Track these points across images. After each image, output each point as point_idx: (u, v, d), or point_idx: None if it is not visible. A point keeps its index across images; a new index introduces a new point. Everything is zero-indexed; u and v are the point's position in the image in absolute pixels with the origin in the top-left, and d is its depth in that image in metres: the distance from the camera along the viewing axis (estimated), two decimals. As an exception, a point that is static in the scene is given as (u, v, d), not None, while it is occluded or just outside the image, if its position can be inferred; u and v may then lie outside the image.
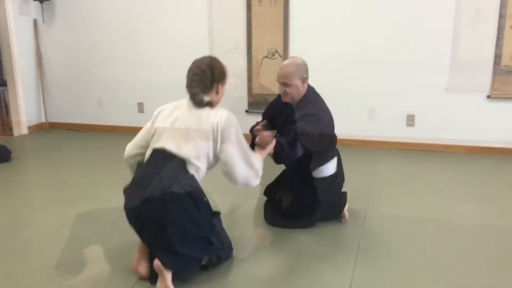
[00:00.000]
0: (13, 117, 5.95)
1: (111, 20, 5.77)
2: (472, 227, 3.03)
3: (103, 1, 5.75)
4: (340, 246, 2.77)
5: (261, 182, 2.93)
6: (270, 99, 3.57)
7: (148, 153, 2.49)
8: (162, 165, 2.34)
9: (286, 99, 2.87)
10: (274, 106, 3.08)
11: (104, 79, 6.00)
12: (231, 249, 2.62)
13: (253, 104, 5.33)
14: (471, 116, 4.78)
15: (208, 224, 2.40)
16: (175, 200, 2.23)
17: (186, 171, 2.34)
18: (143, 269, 2.41)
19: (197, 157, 2.37)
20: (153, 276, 2.36)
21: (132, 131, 5.90)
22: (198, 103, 2.46)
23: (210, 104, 2.49)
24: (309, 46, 5.04)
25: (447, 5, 4.62)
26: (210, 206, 2.43)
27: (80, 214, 3.31)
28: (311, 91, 2.91)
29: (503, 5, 4.46)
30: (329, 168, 2.98)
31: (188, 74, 2.53)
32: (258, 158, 2.53)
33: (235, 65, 5.32)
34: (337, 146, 3.09)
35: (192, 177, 2.35)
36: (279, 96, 3.00)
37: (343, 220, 3.08)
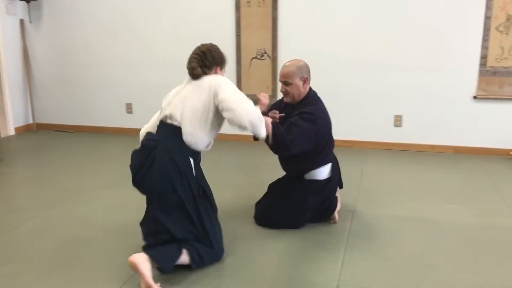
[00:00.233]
0: (-1, 118, 5.91)
1: (99, 20, 5.75)
2: (458, 226, 3.06)
3: (91, 1, 5.72)
4: (328, 246, 2.78)
5: (264, 182, 2.94)
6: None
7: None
8: (162, 135, 2.50)
9: (287, 99, 2.97)
10: (276, 108, 3.11)
11: (92, 80, 5.97)
12: (221, 251, 2.62)
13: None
14: (457, 116, 4.83)
15: (190, 196, 2.45)
16: (160, 165, 2.38)
17: (179, 139, 2.46)
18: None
19: (191, 124, 2.46)
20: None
21: (121, 132, 5.97)
22: (195, 76, 2.58)
23: None
24: (298, 47, 5.07)
25: (432, 6, 4.67)
26: (195, 181, 2.48)
27: (68, 215, 3.29)
28: (312, 94, 2.99)
29: (488, 7, 4.51)
30: (322, 173, 3.00)
31: (189, 56, 2.67)
32: (257, 108, 2.55)
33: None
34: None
35: (181, 146, 2.45)
36: (281, 99, 3.09)
37: (333, 222, 3.10)
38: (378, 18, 4.83)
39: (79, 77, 6.02)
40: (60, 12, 5.88)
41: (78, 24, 5.85)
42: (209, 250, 2.52)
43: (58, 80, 6.12)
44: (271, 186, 3.22)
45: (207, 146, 2.58)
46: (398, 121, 5.01)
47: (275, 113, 2.89)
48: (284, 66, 2.93)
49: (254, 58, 5.27)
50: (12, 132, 5.95)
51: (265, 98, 2.84)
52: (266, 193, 3.20)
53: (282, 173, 3.25)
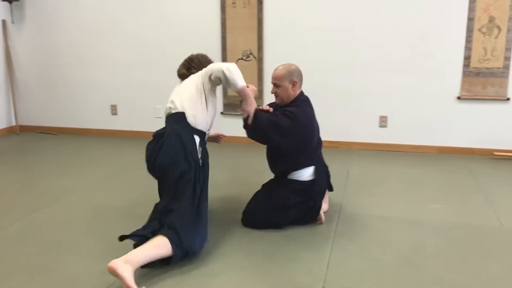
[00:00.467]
0: (-19, 120, 5.82)
1: (82, 21, 5.69)
2: (442, 226, 3.08)
3: (74, 2, 5.66)
4: (314, 247, 2.78)
5: (252, 184, 2.95)
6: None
7: None
8: (169, 124, 2.81)
9: (277, 100, 3.09)
10: None
11: (76, 81, 5.90)
12: (202, 240, 2.64)
13: (228, 106, 5.32)
14: (441, 117, 4.87)
15: (193, 170, 2.65)
16: (166, 142, 2.67)
17: (184, 121, 2.74)
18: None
19: (191, 106, 2.76)
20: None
21: (106, 134, 5.92)
22: (182, 76, 2.98)
23: None
24: (284, 48, 5.07)
25: (416, 8, 4.71)
26: (196, 155, 2.70)
27: (52, 218, 3.25)
28: (302, 98, 3.08)
29: (471, 9, 4.56)
30: (305, 174, 3.05)
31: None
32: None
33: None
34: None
35: (187, 126, 2.73)
36: (274, 101, 3.18)
37: (319, 222, 3.10)
38: (363, 19, 4.86)
39: (63, 78, 5.95)
40: (43, 12, 5.81)
41: (61, 25, 5.78)
42: (190, 236, 2.54)
43: (42, 82, 6.04)
44: (262, 186, 3.28)
45: (208, 127, 2.86)
46: (383, 121, 5.04)
47: (264, 107, 2.99)
48: (276, 69, 3.04)
49: (240, 59, 5.26)
50: (-6, 134, 5.87)
51: (252, 86, 3.07)
52: (255, 193, 3.23)
53: (271, 175, 3.28)
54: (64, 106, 6.04)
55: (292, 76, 2.98)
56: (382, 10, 4.79)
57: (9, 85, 6.04)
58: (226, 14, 5.19)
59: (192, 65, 2.96)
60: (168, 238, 2.47)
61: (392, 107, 4.98)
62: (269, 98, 4.79)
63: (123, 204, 3.50)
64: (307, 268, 2.53)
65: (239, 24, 5.18)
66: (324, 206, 3.24)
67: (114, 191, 3.82)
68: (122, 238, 2.54)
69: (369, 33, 4.87)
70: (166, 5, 5.37)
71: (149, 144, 2.79)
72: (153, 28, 5.47)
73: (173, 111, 2.79)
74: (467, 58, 4.68)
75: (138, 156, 4.89)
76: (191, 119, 2.73)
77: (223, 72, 2.66)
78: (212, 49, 5.31)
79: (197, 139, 2.74)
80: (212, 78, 2.73)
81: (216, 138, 3.36)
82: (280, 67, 3.05)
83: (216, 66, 2.73)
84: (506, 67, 4.61)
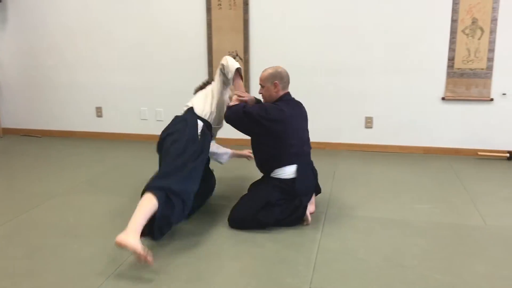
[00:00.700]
0: (-37, 123, 5.73)
1: (66, 22, 5.63)
2: (428, 226, 3.10)
3: (57, 4, 5.60)
4: (300, 248, 2.78)
5: (240, 185, 2.99)
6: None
7: None
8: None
9: (263, 99, 3.33)
10: None
11: (60, 83, 5.84)
12: (185, 185, 2.82)
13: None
14: (426, 117, 4.91)
15: (191, 142, 3.02)
16: (172, 122, 3.24)
17: (192, 111, 3.24)
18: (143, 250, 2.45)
19: (199, 102, 3.30)
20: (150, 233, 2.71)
21: (91, 136, 5.86)
22: (197, 90, 3.54)
23: None
24: (270, 49, 5.08)
25: (400, 10, 4.74)
26: (195, 132, 3.10)
27: (36, 222, 3.20)
28: (285, 98, 3.23)
29: (454, 10, 4.61)
30: (286, 172, 3.12)
31: None
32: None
33: (195, 68, 5.31)
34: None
35: (193, 113, 3.22)
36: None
37: (305, 223, 3.11)
38: (348, 21, 4.88)
39: (46, 80, 5.88)
40: (26, 14, 5.74)
41: (45, 26, 5.71)
42: (169, 179, 2.78)
43: (25, 83, 5.96)
44: (249, 186, 3.40)
45: (217, 122, 3.33)
46: (369, 122, 5.06)
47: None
48: (263, 71, 3.24)
49: (225, 60, 5.25)
50: (-24, 137, 5.78)
51: (252, 97, 3.39)
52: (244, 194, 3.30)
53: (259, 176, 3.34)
54: (48, 108, 5.97)
55: (275, 78, 3.17)
56: (367, 11, 4.82)
57: (-9, 87, 5.97)
58: (212, 15, 5.18)
59: (208, 81, 3.54)
60: (148, 190, 2.71)
61: (378, 108, 5.01)
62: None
63: (108, 208, 3.46)
64: (294, 269, 2.53)
65: (225, 25, 5.17)
66: (311, 207, 3.25)
67: (99, 194, 3.78)
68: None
69: (354, 34, 4.90)
70: (151, 7, 5.34)
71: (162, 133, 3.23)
72: (138, 29, 5.44)
73: (184, 108, 3.32)
74: (451, 59, 4.73)
75: (123, 159, 4.87)
76: (198, 110, 3.24)
77: (224, 59, 3.26)
78: (198, 51, 5.30)
79: (200, 123, 3.15)
80: (220, 67, 3.28)
81: (245, 156, 3.79)
82: (268, 69, 3.22)
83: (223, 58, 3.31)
84: (490, 68, 4.66)
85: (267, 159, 3.21)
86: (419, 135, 4.98)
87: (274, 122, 3.06)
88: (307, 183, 3.19)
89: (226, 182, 4.02)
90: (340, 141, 5.18)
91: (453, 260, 2.64)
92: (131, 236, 2.45)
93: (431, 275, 2.46)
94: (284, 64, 3.39)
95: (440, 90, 4.83)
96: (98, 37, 5.58)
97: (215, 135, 3.54)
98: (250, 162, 3.60)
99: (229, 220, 3.11)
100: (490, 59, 4.64)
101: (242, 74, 3.33)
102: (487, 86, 4.71)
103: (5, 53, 5.92)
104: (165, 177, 2.81)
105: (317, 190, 3.43)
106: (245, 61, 5.19)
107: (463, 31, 4.65)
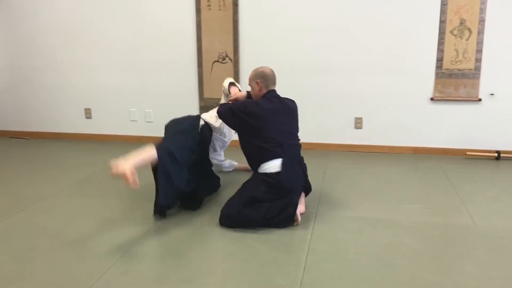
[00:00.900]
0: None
1: (56, 23, 5.59)
2: (418, 226, 3.12)
3: (46, 3, 5.56)
4: (290, 249, 2.78)
5: (231, 186, 2.91)
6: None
7: None
8: None
9: (253, 98, 3.53)
10: None
11: (49, 84, 5.79)
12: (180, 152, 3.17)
13: (204, 109, 5.28)
14: (415, 118, 4.94)
15: (191, 130, 3.45)
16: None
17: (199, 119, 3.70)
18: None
19: (207, 114, 3.82)
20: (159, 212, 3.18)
21: (80, 138, 5.82)
22: None
23: None
24: (260, 50, 5.08)
25: (389, 10, 4.77)
26: (196, 126, 3.56)
27: (24, 225, 3.17)
28: (268, 95, 3.39)
29: (443, 11, 4.64)
30: (271, 166, 3.19)
31: None
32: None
33: (185, 69, 5.30)
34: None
35: (198, 117, 3.70)
36: None
37: (295, 224, 3.11)
38: (338, 22, 4.90)
39: (35, 82, 5.84)
40: (14, 14, 5.69)
41: (34, 27, 5.67)
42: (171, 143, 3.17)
43: (13, 85, 5.91)
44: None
45: (219, 132, 3.78)
46: (358, 123, 5.08)
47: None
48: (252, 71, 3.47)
49: (215, 61, 5.24)
50: (-37, 139, 5.71)
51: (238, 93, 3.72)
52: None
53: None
54: (36, 109, 5.92)
55: (257, 77, 3.41)
56: (356, 13, 4.84)
57: (-22, 89, 5.90)
58: (202, 16, 5.17)
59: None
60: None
61: (367, 109, 5.03)
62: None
63: (97, 210, 3.44)
64: (284, 270, 2.52)
65: (215, 26, 5.16)
66: (301, 207, 3.25)
67: (87, 197, 3.75)
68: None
69: (344, 35, 4.91)
70: (141, 8, 5.32)
71: None
72: (127, 30, 5.41)
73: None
74: (439, 59, 4.76)
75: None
76: (204, 115, 3.73)
77: (224, 83, 3.86)
78: (188, 52, 5.28)
79: (202, 121, 3.61)
80: (222, 89, 3.94)
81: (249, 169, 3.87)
82: (254, 69, 3.44)
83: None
84: (478, 68, 4.70)
85: (251, 154, 3.36)
86: (408, 135, 5.01)
87: (250, 115, 3.24)
88: (294, 177, 3.20)
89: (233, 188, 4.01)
90: (330, 142, 5.20)
91: (442, 259, 2.66)
92: (124, 162, 2.76)
93: (421, 275, 2.47)
94: (273, 65, 3.42)
95: (429, 91, 4.86)
96: (87, 38, 5.55)
97: (222, 149, 4.08)
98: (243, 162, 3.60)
99: (219, 218, 3.11)
100: (478, 60, 4.68)
101: (236, 84, 3.85)
102: (475, 87, 4.75)
103: (-8, 54, 5.87)
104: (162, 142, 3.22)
105: (308, 189, 3.45)
106: (235, 62, 5.18)
107: (451, 32, 4.68)
